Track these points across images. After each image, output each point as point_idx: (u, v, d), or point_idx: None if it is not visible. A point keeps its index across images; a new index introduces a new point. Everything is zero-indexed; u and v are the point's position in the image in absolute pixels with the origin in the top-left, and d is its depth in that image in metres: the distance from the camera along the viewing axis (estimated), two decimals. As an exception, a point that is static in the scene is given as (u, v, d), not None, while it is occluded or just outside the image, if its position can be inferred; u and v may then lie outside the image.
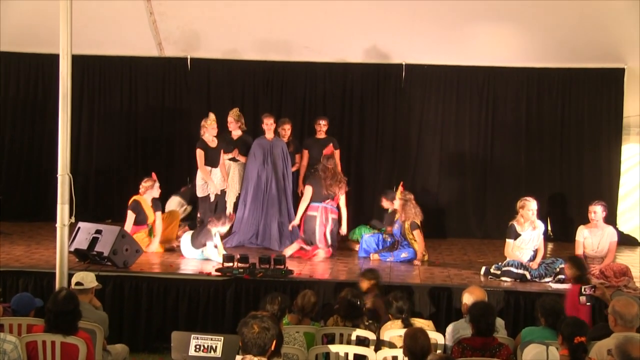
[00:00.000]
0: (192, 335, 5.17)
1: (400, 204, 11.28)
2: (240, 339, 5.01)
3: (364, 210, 13.46)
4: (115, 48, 13.80)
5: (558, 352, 5.62)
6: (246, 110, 13.11)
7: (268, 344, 4.95)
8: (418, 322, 7.33)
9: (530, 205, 9.88)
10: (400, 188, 11.53)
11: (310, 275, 9.78)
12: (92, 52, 13.54)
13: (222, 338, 5.18)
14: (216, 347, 5.15)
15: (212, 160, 11.78)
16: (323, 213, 11.23)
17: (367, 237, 11.46)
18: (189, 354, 5.18)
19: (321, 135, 12.36)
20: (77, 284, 7.52)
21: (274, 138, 11.80)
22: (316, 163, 11.81)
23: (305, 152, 12.28)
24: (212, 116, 11.81)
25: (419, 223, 11.13)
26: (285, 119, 12.19)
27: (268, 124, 11.78)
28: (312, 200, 11.20)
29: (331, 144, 12.19)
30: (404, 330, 6.60)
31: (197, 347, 5.17)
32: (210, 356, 5.12)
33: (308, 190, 11.25)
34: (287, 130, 12.03)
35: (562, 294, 8.34)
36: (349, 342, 7.07)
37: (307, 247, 11.17)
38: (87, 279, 7.64)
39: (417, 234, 11.09)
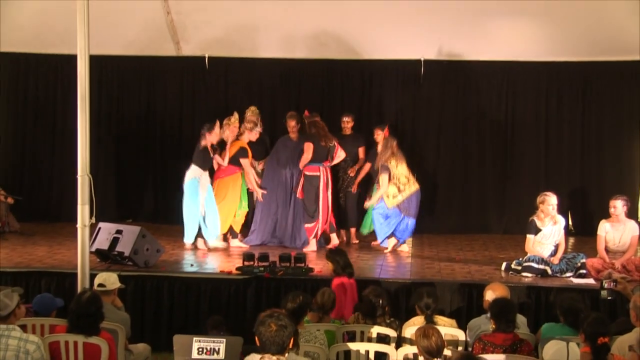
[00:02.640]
0: (194, 338, 5.16)
1: (380, 149, 11.48)
2: (256, 338, 5.02)
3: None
4: (133, 48, 13.79)
5: (579, 348, 5.59)
6: (264, 109, 13.09)
7: (286, 342, 4.94)
8: (441, 320, 7.32)
9: (550, 200, 9.84)
10: (386, 132, 11.65)
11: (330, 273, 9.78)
12: (109, 52, 13.55)
13: (225, 340, 5.18)
14: (219, 349, 5.15)
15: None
16: (324, 173, 11.45)
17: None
18: (192, 357, 5.17)
19: (347, 132, 12.34)
20: (100, 285, 7.55)
21: (298, 138, 11.81)
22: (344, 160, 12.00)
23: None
24: (236, 115, 11.79)
25: (389, 164, 11.29)
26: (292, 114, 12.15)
27: (291, 125, 11.82)
28: (312, 160, 11.37)
29: (358, 141, 12.35)
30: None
31: (200, 349, 5.17)
32: (213, 358, 5.12)
33: (309, 147, 11.39)
34: (292, 126, 11.94)
35: (581, 290, 8.34)
36: (369, 340, 7.07)
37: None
38: (110, 280, 7.66)
39: (383, 178, 11.28)
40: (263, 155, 12.09)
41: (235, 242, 11.66)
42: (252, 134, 11.66)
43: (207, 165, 11.45)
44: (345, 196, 12.23)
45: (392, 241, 11.47)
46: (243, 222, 11.82)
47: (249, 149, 11.54)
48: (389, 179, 11.29)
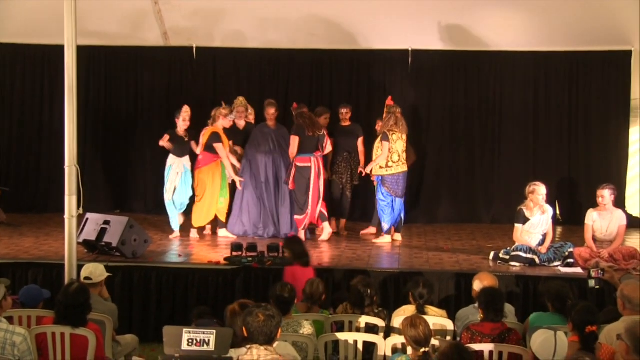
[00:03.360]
0: (184, 330, 5.15)
1: (384, 116, 11.44)
2: (240, 327, 5.03)
3: (372, 198, 13.52)
4: (121, 38, 13.77)
5: (567, 337, 5.60)
6: (252, 99, 13.05)
7: (274, 332, 4.97)
8: (431, 311, 7.32)
9: (540, 190, 9.85)
10: (389, 101, 11.57)
11: (319, 263, 9.79)
12: (97, 42, 13.51)
13: (215, 331, 5.17)
14: (209, 340, 5.13)
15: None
16: (315, 164, 11.32)
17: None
18: (182, 348, 5.16)
19: (345, 122, 12.27)
20: (86, 278, 7.51)
21: (275, 126, 11.78)
22: (343, 151, 12.02)
23: (332, 140, 11.96)
24: (224, 105, 11.79)
25: (390, 136, 11.23)
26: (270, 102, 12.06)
27: (270, 113, 11.73)
28: (301, 151, 11.23)
29: (357, 132, 12.27)
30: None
31: (190, 341, 5.14)
32: (204, 350, 5.11)
33: (294, 140, 11.24)
34: (270, 114, 11.81)
35: (569, 279, 8.37)
36: (358, 330, 7.07)
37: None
38: (96, 273, 7.61)
39: (384, 145, 11.20)
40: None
41: (222, 232, 11.65)
42: (226, 121, 11.63)
43: (181, 152, 11.56)
44: (350, 188, 12.16)
45: (387, 238, 11.49)
46: (227, 211, 11.79)
47: (222, 134, 11.48)
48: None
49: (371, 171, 11.39)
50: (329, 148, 11.63)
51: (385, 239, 11.44)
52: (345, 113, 12.29)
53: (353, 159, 12.15)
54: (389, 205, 11.36)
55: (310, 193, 11.29)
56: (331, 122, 12.34)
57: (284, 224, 11.59)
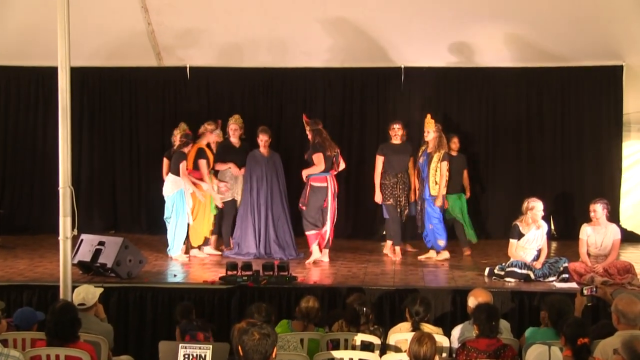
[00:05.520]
0: (180, 345, 5.15)
1: (435, 136, 11.44)
2: (236, 346, 5.02)
3: (367, 214, 13.55)
4: (114, 59, 13.80)
5: (561, 352, 5.61)
6: (246, 118, 13.07)
7: (269, 351, 4.94)
8: (427, 328, 7.31)
9: (538, 207, 9.89)
10: (431, 120, 11.58)
11: (314, 281, 9.80)
12: (91, 64, 13.55)
13: (211, 346, 5.18)
14: (205, 355, 5.14)
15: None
16: (331, 183, 11.18)
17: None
18: None
19: (397, 140, 11.84)
20: (80, 305, 7.44)
21: (268, 153, 11.71)
22: (396, 171, 11.71)
23: (381, 158, 11.74)
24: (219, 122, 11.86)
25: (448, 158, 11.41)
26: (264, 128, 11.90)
27: (263, 140, 11.60)
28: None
29: (410, 150, 11.99)
30: (411, 333, 6.60)
31: (186, 356, 5.15)
32: None
33: (320, 159, 11.02)
34: (264, 141, 11.65)
35: (564, 294, 8.37)
36: (353, 348, 7.07)
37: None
38: (88, 296, 7.56)
39: (444, 165, 11.30)
40: (245, 163, 11.98)
41: (207, 249, 11.62)
42: (212, 136, 11.74)
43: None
44: (408, 209, 11.88)
45: (447, 254, 11.59)
46: (212, 228, 11.78)
47: (206, 150, 11.55)
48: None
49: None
50: (342, 166, 11.49)
51: (445, 255, 11.52)
52: (398, 129, 11.83)
53: (408, 179, 11.82)
54: (441, 222, 11.46)
55: (329, 212, 11.12)
56: (379, 139, 12.40)
57: (284, 249, 11.52)
